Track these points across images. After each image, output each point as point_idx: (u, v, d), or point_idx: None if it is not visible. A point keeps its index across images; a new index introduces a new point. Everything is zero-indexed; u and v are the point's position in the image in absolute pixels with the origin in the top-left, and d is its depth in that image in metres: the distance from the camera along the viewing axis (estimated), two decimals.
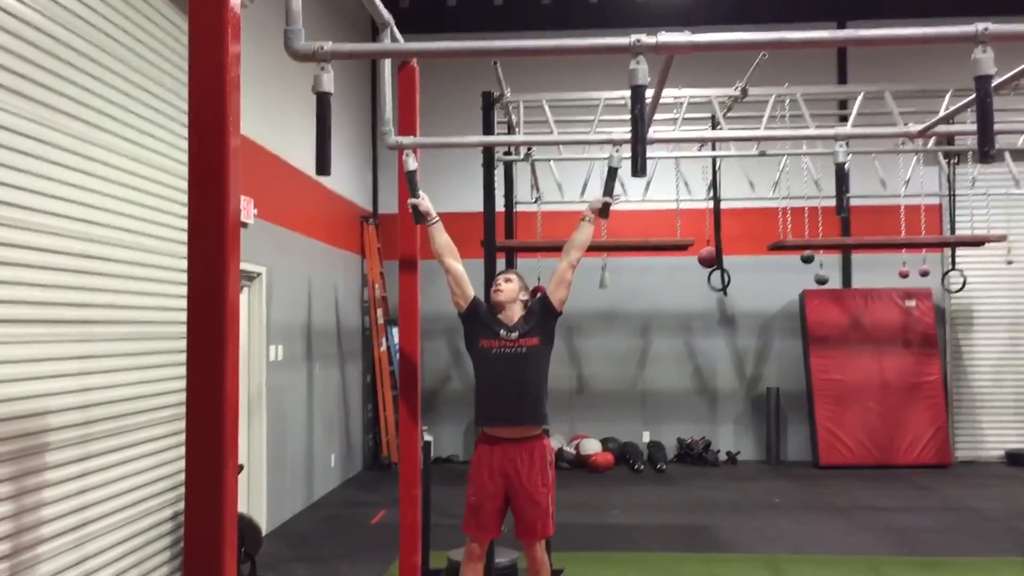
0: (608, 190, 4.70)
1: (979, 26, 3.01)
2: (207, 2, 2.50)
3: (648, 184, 9.46)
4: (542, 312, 4.75)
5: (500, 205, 9.29)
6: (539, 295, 4.86)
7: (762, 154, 8.83)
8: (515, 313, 4.77)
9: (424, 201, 4.62)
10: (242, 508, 6.97)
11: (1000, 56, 3.07)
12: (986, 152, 2.95)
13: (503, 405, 4.66)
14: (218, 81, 2.49)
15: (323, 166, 3.15)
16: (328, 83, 3.15)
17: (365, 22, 11.15)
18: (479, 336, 4.74)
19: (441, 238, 4.73)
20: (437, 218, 4.70)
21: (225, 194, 2.48)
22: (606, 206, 4.68)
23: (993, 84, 3.09)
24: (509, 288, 4.79)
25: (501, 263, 8.73)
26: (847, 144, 4.69)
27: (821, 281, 10.42)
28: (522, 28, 11.70)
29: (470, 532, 4.74)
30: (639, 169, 3.02)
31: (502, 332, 4.69)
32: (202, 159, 2.50)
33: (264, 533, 7.24)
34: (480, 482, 4.68)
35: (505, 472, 4.64)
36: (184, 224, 2.64)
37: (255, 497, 7.48)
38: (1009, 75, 4.10)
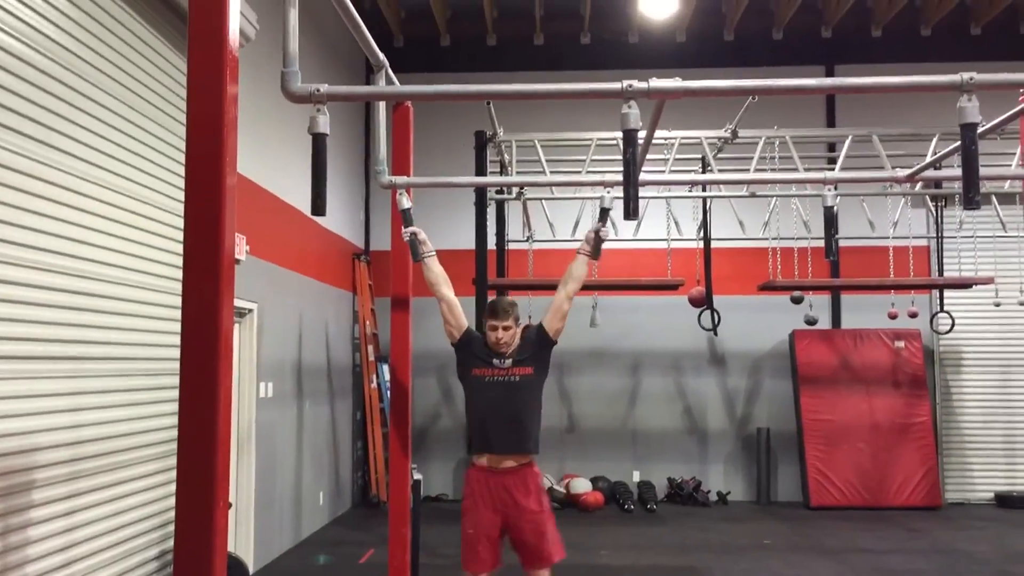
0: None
1: (964, 75, 3.05)
2: (206, 44, 2.53)
3: (639, 224, 9.50)
4: (538, 342, 4.75)
5: (492, 243, 9.35)
6: (536, 325, 4.85)
7: (752, 195, 8.90)
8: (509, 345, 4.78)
9: (420, 232, 4.65)
10: (229, 546, 6.90)
11: (986, 100, 3.12)
12: (971, 198, 2.98)
13: (495, 433, 4.61)
14: (216, 122, 2.50)
15: (319, 207, 3.16)
16: (324, 125, 3.16)
17: (359, 61, 11.25)
18: (472, 365, 4.73)
19: (437, 268, 4.74)
20: (433, 251, 4.73)
21: (220, 232, 2.49)
22: (598, 242, 4.68)
23: (979, 131, 3.14)
24: (509, 335, 4.70)
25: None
26: (835, 187, 4.74)
27: (811, 322, 10.44)
28: (515, 68, 11.80)
29: (471, 569, 4.61)
30: (631, 212, 3.04)
31: (495, 361, 4.68)
32: (198, 198, 2.51)
33: (251, 572, 7.17)
34: (477, 515, 4.60)
35: (503, 502, 4.57)
36: (178, 261, 2.65)
37: (242, 535, 7.41)
38: (994, 122, 4.17)
